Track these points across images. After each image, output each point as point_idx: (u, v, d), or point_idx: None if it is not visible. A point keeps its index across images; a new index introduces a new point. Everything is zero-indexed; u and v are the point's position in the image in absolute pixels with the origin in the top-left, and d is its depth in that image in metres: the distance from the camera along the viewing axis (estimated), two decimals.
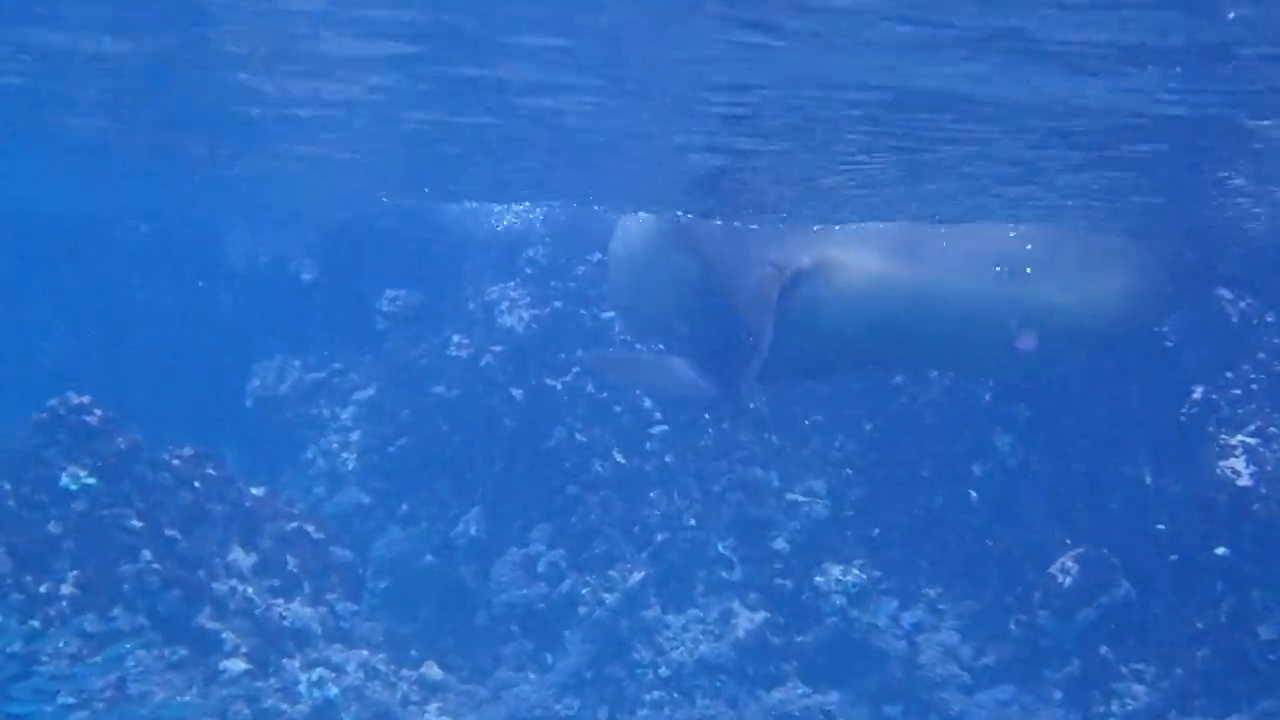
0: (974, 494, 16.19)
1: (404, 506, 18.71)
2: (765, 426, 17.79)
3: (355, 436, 19.85)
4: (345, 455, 19.68)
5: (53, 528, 14.12)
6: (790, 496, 17.27)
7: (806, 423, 17.77)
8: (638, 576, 16.74)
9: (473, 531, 17.98)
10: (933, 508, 16.48)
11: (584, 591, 16.75)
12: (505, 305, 19.05)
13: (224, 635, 14.24)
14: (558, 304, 19.19)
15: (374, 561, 17.78)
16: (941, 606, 16.13)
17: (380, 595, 17.45)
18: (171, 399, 21.32)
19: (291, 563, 15.44)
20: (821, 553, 16.73)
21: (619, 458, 17.80)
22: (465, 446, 18.74)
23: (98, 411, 14.97)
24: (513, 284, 19.63)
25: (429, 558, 17.94)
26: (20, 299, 23.90)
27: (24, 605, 13.55)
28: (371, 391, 20.19)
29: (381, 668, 15.61)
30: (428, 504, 18.62)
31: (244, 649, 14.31)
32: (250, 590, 14.80)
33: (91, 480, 14.47)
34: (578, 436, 18.03)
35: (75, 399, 14.95)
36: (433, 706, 15.65)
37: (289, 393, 20.89)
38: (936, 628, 15.98)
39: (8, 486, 14.33)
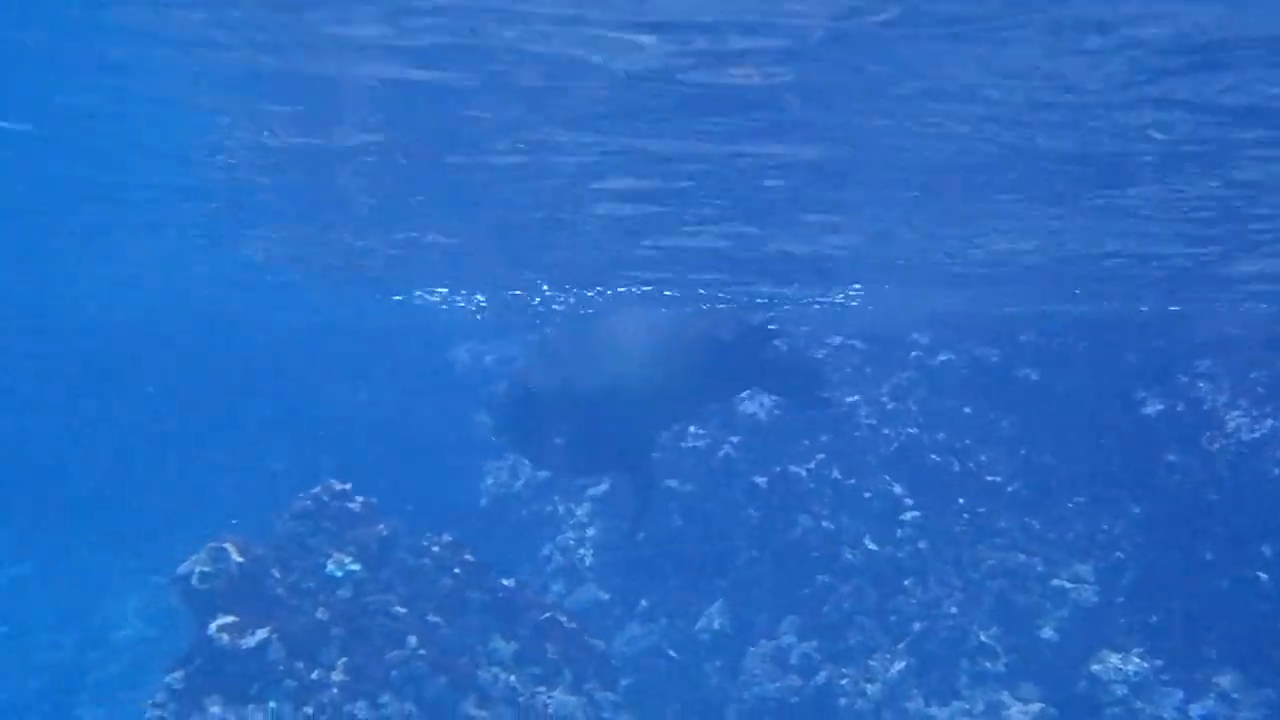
0: (1264, 576, 15.21)
1: (643, 602, 18.34)
2: (1024, 510, 17.08)
3: (591, 533, 19.64)
4: (582, 551, 19.47)
5: (320, 614, 14.06)
6: (1056, 583, 16.47)
7: (1069, 505, 17.02)
8: (898, 667, 16.04)
9: (716, 626, 17.52)
10: (1218, 591, 15.54)
11: (843, 682, 16.09)
12: (746, 393, 18.70)
13: None
14: None
15: (615, 658, 17.39)
16: (1235, 696, 15.08)
17: (623, 692, 17.01)
18: (402, 501, 21.41)
19: (551, 651, 15.11)
20: (1094, 641, 15.88)
21: (870, 545, 17.21)
22: (702, 540, 18.34)
23: (359, 499, 15.02)
24: None
25: (672, 654, 17.54)
26: (250, 405, 24.47)
27: (297, 692, 13.43)
28: (605, 487, 19.99)
29: None
30: (667, 600, 18.23)
31: None
32: (513, 679, 14.50)
33: (356, 567, 14.43)
34: (825, 524, 17.50)
35: (337, 485, 15.02)
36: None
37: (523, 490, 20.84)
38: (1231, 718, 14.92)
39: (276, 575, 14.34)
